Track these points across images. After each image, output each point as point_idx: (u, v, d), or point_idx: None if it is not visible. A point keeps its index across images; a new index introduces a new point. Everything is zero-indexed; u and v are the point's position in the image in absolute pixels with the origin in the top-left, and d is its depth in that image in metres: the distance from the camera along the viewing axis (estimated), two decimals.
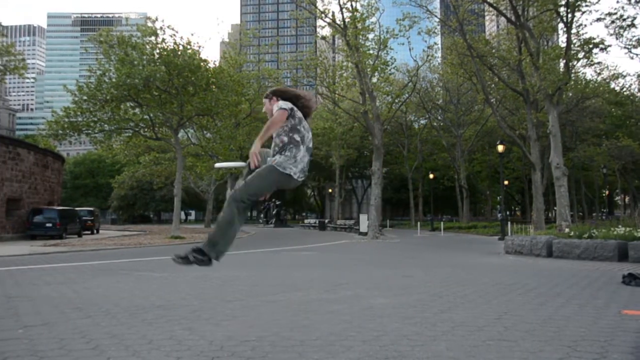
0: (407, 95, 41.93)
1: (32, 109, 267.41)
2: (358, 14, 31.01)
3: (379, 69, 32.66)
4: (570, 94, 40.15)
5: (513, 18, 27.07)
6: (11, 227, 27.63)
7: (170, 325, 4.82)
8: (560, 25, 28.54)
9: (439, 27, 39.30)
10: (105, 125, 30.69)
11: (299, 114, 4.49)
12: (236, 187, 4.45)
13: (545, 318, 5.19)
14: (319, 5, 32.66)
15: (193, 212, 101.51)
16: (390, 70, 34.15)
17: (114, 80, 28.41)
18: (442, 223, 46.30)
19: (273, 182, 4.47)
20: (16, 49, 31.93)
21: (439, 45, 47.73)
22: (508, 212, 72.00)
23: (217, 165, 5.24)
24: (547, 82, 24.92)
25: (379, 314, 5.43)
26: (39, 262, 12.86)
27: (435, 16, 36.38)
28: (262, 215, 70.88)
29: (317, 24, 41.27)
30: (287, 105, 4.43)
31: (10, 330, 4.60)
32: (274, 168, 4.36)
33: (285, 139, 4.42)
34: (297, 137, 4.42)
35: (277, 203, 65.80)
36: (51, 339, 4.26)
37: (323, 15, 32.57)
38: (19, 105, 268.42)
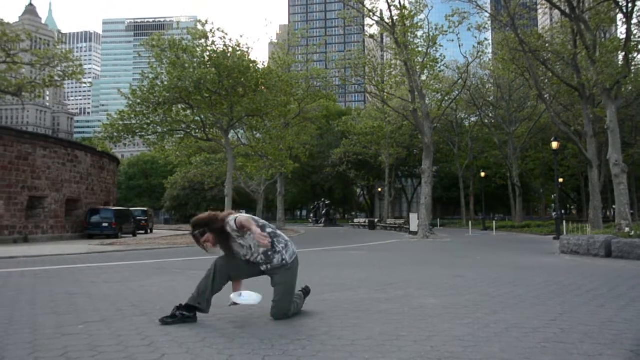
0: (457, 92, 41.34)
1: (88, 113, 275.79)
2: (406, 12, 30.77)
3: (428, 66, 32.33)
4: (630, 88, 38.89)
5: (567, 10, 26.34)
6: (70, 226, 28.53)
7: (222, 323, 4.88)
8: (619, 16, 27.59)
9: (489, 23, 38.64)
10: (158, 127, 31.32)
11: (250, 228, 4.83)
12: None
13: (605, 320, 5.03)
14: (367, 3, 32.54)
15: (244, 212, 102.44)
16: (439, 67, 33.76)
17: (165, 83, 28.97)
18: (494, 222, 45.53)
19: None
20: (74, 55, 32.85)
21: (490, 41, 46.86)
22: (563, 211, 70.25)
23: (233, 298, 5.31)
24: (605, 75, 24.13)
25: (430, 313, 5.37)
26: (96, 261, 13.23)
27: (486, 11, 35.71)
28: (311, 215, 71.18)
29: (365, 22, 41.15)
30: (234, 225, 4.87)
31: (71, 326, 4.74)
32: (291, 265, 5.15)
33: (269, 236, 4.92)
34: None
35: (327, 202, 65.95)
36: (109, 335, 4.37)
37: (371, 13, 32.43)
38: (76, 109, 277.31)
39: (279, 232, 5.20)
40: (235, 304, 5.18)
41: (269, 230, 5.03)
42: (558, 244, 17.41)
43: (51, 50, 33.08)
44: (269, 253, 5.04)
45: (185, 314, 4.93)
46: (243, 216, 4.86)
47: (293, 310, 5.17)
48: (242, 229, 4.81)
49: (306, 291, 5.69)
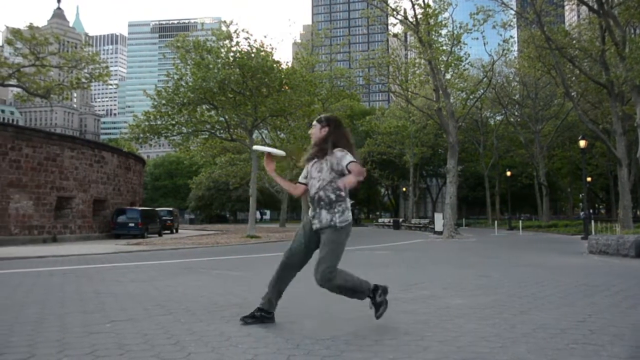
0: (482, 91, 40.99)
1: (115, 114, 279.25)
2: (430, 10, 30.61)
3: (452, 65, 32.13)
4: None
5: (596, 6, 25.98)
6: (97, 226, 28.90)
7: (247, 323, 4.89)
8: None
9: (514, 20, 38.29)
10: (183, 128, 31.60)
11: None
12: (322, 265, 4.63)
13: (636, 322, 4.94)
14: (391, 2, 32.44)
15: (268, 212, 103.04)
16: (464, 65, 33.53)
17: (190, 84, 29.21)
18: (520, 222, 45.07)
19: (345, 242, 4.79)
20: (100, 58, 33.31)
21: (515, 39, 46.39)
22: (591, 210, 69.23)
23: (255, 147, 5.26)
24: (635, 72, 23.71)
25: (456, 314, 5.33)
26: (123, 260, 13.38)
27: (511, 9, 35.39)
28: None
29: (389, 21, 41.09)
30: (345, 154, 4.56)
31: (99, 325, 4.80)
32: (340, 229, 4.67)
33: (334, 195, 4.64)
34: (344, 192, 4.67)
35: (351, 202, 65.79)
36: (136, 333, 4.41)
37: (395, 12, 32.33)
38: (103, 110, 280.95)
39: (347, 198, 4.78)
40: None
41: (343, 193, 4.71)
42: (586, 244, 17.15)
43: (78, 52, 33.59)
44: (326, 202, 4.65)
45: (264, 315, 4.84)
46: (357, 167, 4.48)
47: (341, 282, 4.65)
48: (345, 170, 4.50)
49: (382, 289, 4.91)
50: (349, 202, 4.76)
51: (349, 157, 4.52)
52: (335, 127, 4.78)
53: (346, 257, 14.92)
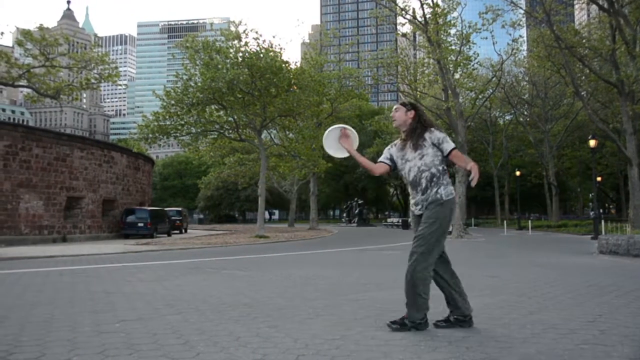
0: (491, 90, 40.83)
1: (124, 114, 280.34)
2: (439, 9, 30.53)
3: (461, 64, 32.05)
4: None
5: (606, 5, 25.84)
6: (107, 226, 29.04)
7: (256, 322, 4.91)
8: None
9: (524, 19, 38.01)
10: (192, 128, 31.66)
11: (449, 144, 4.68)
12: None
13: None
14: (399, 2, 32.39)
15: (277, 212, 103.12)
16: (473, 65, 33.45)
17: (199, 84, 29.27)
18: (529, 221, 44.87)
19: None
20: (110, 58, 33.41)
21: (524, 38, 46.20)
22: (601, 210, 68.83)
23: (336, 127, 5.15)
24: None
25: None
26: (132, 260, 13.43)
27: (520, 8, 35.24)
28: (344, 215, 71.14)
29: (398, 21, 40.98)
30: (442, 134, 4.66)
31: (109, 324, 4.82)
32: (445, 203, 4.60)
33: (441, 167, 4.66)
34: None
35: (360, 202, 65.82)
36: (145, 333, 4.43)
37: (403, 12, 32.27)
38: (112, 110, 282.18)
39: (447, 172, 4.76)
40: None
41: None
42: (596, 244, 17.06)
43: (88, 53, 33.68)
44: (437, 177, 4.60)
45: (459, 319, 4.72)
46: (461, 154, 4.64)
47: (422, 278, 4.63)
48: (455, 160, 4.61)
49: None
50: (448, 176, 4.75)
51: (450, 142, 4.63)
52: (421, 110, 4.86)
53: (356, 258, 14.91)
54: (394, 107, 4.93)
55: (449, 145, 4.59)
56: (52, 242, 24.09)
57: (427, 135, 4.64)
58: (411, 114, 4.77)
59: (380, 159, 4.93)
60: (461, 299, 4.76)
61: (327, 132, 5.05)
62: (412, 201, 4.80)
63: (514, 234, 35.48)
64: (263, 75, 28.34)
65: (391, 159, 4.86)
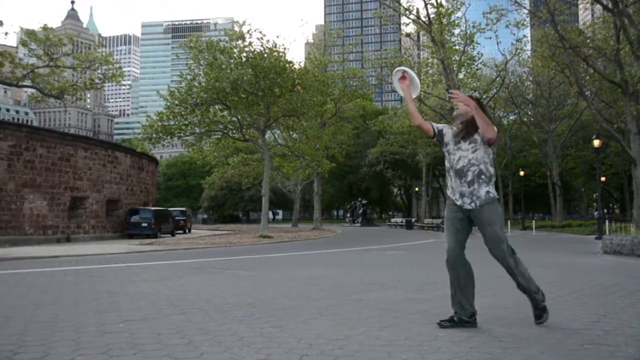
0: (495, 90, 40.84)
1: (128, 114, 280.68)
2: (443, 9, 30.52)
3: (465, 64, 32.05)
4: None
5: (610, 5, 25.76)
6: (111, 226, 29.09)
7: (260, 322, 4.91)
8: None
9: (528, 19, 38.01)
10: (196, 128, 31.68)
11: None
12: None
13: None
14: (403, 2, 32.42)
15: (281, 212, 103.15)
16: (477, 65, 33.46)
17: (203, 84, 29.28)
18: (533, 221, 44.79)
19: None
20: (114, 58, 33.47)
21: (528, 38, 46.18)
22: (605, 210, 68.69)
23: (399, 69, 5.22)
24: None
25: None
26: (136, 260, 13.45)
27: (524, 8, 35.16)
28: (348, 215, 71.13)
29: (402, 21, 40.99)
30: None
31: (113, 324, 4.83)
32: (498, 201, 4.82)
33: (492, 170, 4.77)
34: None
35: (364, 202, 65.79)
36: (149, 333, 4.44)
37: (407, 12, 32.29)
38: (116, 111, 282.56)
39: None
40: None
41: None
42: (600, 244, 17.03)
43: (92, 53, 33.75)
44: (487, 176, 4.72)
45: (463, 319, 4.74)
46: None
47: (512, 263, 4.82)
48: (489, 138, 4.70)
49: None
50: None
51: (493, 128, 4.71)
52: (485, 108, 4.94)
53: (359, 258, 14.93)
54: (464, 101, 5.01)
55: (493, 130, 4.72)
56: (56, 242, 24.15)
57: (481, 131, 4.73)
58: (469, 105, 4.81)
59: (434, 124, 5.07)
60: (466, 300, 4.76)
61: (394, 72, 5.22)
62: (451, 190, 4.85)
63: (517, 234, 35.40)
64: (267, 75, 28.35)
65: (440, 133, 4.99)
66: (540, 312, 4.80)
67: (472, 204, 4.71)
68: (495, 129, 4.68)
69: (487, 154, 4.74)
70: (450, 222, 4.85)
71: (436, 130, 4.99)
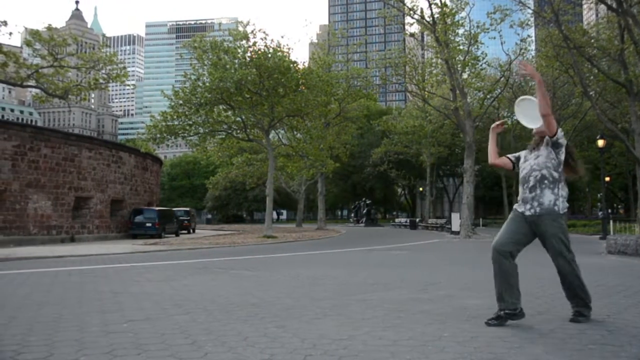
0: (499, 90, 40.68)
1: (132, 114, 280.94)
2: (447, 9, 30.46)
3: (469, 64, 31.97)
4: None
5: (614, 5, 25.67)
6: (115, 226, 29.13)
7: (264, 322, 4.91)
8: None
9: (532, 19, 37.85)
10: (200, 128, 31.71)
11: (563, 156, 4.80)
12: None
13: None
14: (407, 2, 32.33)
15: (285, 212, 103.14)
16: (481, 65, 33.36)
17: (207, 84, 29.31)
18: None
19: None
20: (118, 58, 33.49)
21: (533, 38, 45.99)
22: (610, 210, 68.47)
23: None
24: None
25: (473, 314, 5.30)
26: (140, 260, 13.47)
27: (529, 8, 35.06)
28: (352, 215, 71.10)
29: (406, 21, 40.92)
30: (563, 139, 4.79)
31: (117, 324, 4.84)
32: (562, 217, 4.80)
33: (556, 174, 4.74)
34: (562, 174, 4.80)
35: (368, 202, 65.76)
36: (153, 333, 4.44)
37: (411, 12, 32.20)
38: (120, 111, 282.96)
39: (566, 184, 4.85)
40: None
41: (563, 173, 4.81)
42: (604, 244, 16.99)
43: (96, 53, 33.76)
44: (545, 183, 4.71)
45: (509, 313, 4.79)
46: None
47: (576, 271, 4.86)
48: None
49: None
50: (566, 191, 4.83)
51: (560, 131, 4.77)
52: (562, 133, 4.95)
53: (363, 258, 14.90)
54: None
55: (562, 137, 4.80)
56: (60, 242, 24.20)
57: (547, 138, 4.79)
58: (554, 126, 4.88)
59: (509, 155, 5.21)
60: (508, 294, 4.79)
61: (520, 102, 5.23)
62: (522, 197, 4.89)
63: None
64: (271, 75, 28.36)
65: (518, 159, 5.10)
66: (579, 315, 4.90)
67: (532, 210, 4.74)
68: (549, 111, 4.67)
69: (550, 159, 4.74)
70: (511, 219, 4.91)
71: (513, 159, 5.11)
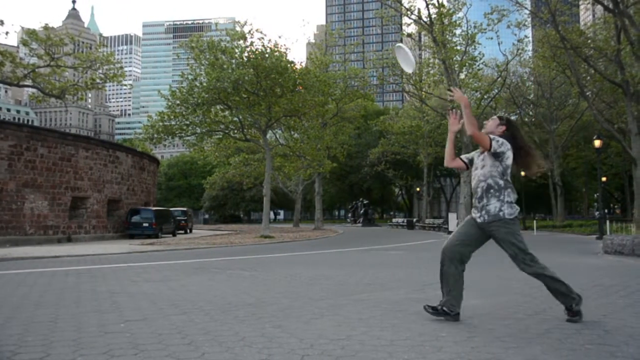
0: (496, 90, 40.77)
1: (129, 114, 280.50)
2: (444, 10, 30.52)
3: (466, 64, 32.05)
4: None
5: (611, 5, 25.75)
6: (112, 226, 29.08)
7: (261, 322, 4.91)
8: None
9: (529, 20, 38.02)
10: (197, 128, 31.70)
11: (510, 160, 4.82)
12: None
13: None
14: (405, 2, 32.40)
15: (282, 212, 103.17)
16: (478, 65, 33.46)
17: (204, 84, 29.30)
18: (534, 221, 44.78)
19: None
20: (115, 58, 33.48)
21: (530, 38, 46.18)
22: (606, 210, 68.61)
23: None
24: None
25: (470, 314, 5.30)
26: (137, 260, 13.45)
27: (526, 8, 35.16)
28: (350, 215, 71.13)
29: (403, 21, 41.00)
30: (503, 146, 4.77)
31: (114, 325, 4.83)
32: (510, 222, 4.81)
33: (501, 182, 4.81)
34: (509, 180, 4.86)
35: (365, 202, 65.80)
36: (150, 333, 4.44)
37: (409, 12, 32.28)
38: (117, 110, 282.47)
39: (513, 190, 4.89)
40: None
41: (509, 179, 4.85)
42: (601, 244, 17.03)
43: (93, 53, 33.77)
44: (491, 192, 4.80)
45: (445, 311, 4.95)
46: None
47: (540, 270, 4.89)
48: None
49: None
50: (513, 195, 4.87)
51: (496, 140, 4.78)
52: (513, 130, 5.01)
53: (360, 258, 14.87)
54: (493, 117, 5.20)
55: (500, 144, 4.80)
56: (57, 242, 24.15)
57: (502, 149, 4.83)
58: (501, 128, 4.98)
59: (462, 156, 5.25)
60: (450, 296, 4.97)
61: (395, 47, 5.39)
62: (474, 207, 5.03)
63: None
64: (268, 75, 28.36)
65: (471, 161, 5.14)
66: (572, 314, 4.91)
67: (482, 218, 4.87)
68: (475, 130, 4.73)
69: (495, 167, 4.81)
70: (465, 222, 5.06)
71: (466, 161, 5.16)
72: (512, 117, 58.64)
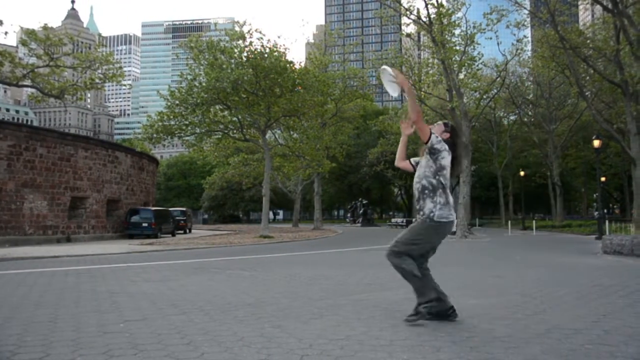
0: (495, 90, 40.77)
1: (128, 114, 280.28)
2: (444, 10, 30.50)
3: (466, 64, 32.00)
4: None
5: (610, 5, 25.76)
6: (111, 226, 29.06)
7: (261, 322, 4.91)
8: None
9: (528, 20, 38.00)
10: (196, 128, 31.68)
11: (445, 161, 4.83)
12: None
13: None
14: (404, 2, 32.39)
15: (281, 212, 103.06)
16: (477, 65, 33.39)
17: (204, 84, 29.28)
18: (534, 221, 44.78)
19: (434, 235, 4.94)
20: (114, 58, 33.45)
21: (529, 38, 46.17)
22: (606, 210, 68.67)
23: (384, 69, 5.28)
24: None
25: (469, 314, 5.31)
26: (136, 260, 13.45)
27: (525, 8, 35.16)
28: (349, 215, 71.12)
29: (402, 21, 40.94)
30: (441, 144, 4.82)
31: (113, 324, 4.84)
32: (432, 224, 4.79)
33: (434, 182, 4.82)
34: (444, 180, 4.84)
35: (364, 202, 65.78)
36: (149, 333, 4.44)
37: (408, 12, 32.24)
38: (116, 110, 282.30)
39: (450, 193, 4.94)
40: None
41: (443, 179, 4.85)
42: (600, 244, 17.03)
43: (92, 53, 33.76)
44: (426, 192, 4.82)
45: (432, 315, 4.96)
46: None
47: (404, 265, 4.88)
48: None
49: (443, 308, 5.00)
50: (447, 198, 4.87)
51: (436, 136, 4.85)
52: (456, 136, 5.11)
53: (360, 258, 14.86)
54: (438, 122, 5.26)
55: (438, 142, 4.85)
56: (56, 242, 24.13)
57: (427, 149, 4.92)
58: (445, 135, 5.02)
59: (412, 159, 5.29)
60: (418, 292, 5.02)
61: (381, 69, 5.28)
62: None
63: (518, 234, 35.42)
64: (267, 75, 28.35)
65: (418, 164, 5.14)
66: (413, 313, 4.91)
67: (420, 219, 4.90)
68: (419, 118, 4.82)
69: (429, 167, 4.85)
70: (414, 223, 5.06)
71: (414, 164, 5.18)
72: (511, 117, 58.76)
